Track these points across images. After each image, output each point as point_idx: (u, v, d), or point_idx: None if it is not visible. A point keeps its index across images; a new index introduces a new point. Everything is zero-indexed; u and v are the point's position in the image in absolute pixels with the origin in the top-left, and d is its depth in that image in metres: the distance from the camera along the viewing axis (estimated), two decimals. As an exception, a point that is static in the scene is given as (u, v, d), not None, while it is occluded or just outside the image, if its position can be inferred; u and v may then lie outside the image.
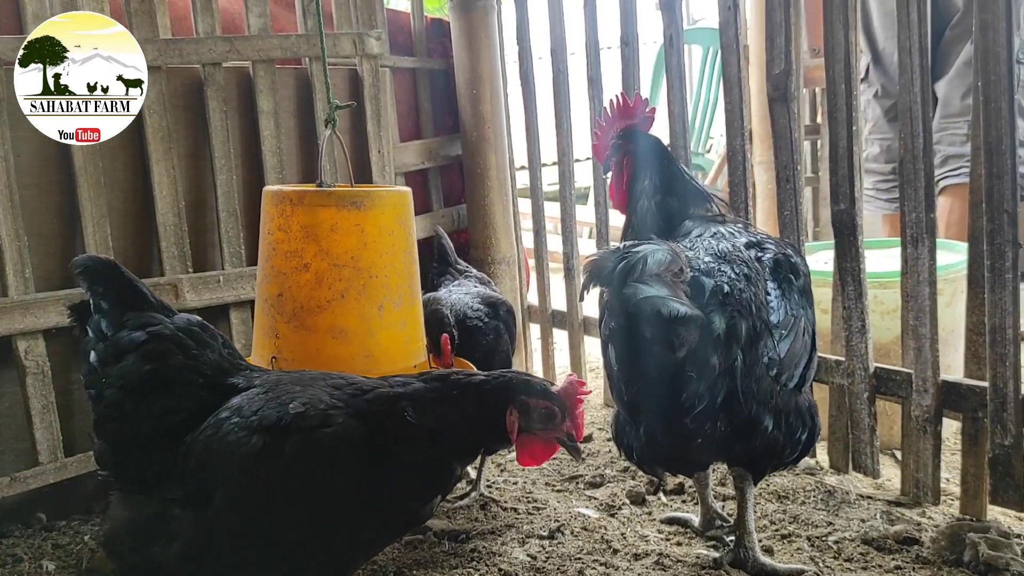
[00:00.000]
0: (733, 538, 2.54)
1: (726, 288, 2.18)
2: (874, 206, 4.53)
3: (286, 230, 2.25)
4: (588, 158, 6.07)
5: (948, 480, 2.90)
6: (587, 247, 4.98)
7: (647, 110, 2.64)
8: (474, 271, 3.34)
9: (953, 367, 2.96)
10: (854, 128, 2.71)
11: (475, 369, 2.55)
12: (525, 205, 4.38)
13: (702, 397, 2.09)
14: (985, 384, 2.51)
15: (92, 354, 1.93)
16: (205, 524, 1.74)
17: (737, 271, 2.25)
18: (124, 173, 3.04)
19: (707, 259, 2.28)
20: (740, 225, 2.55)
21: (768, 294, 2.28)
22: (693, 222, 2.53)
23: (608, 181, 2.76)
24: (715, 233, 2.45)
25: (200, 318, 2.02)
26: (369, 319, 2.28)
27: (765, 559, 2.40)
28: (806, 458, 3.07)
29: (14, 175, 2.78)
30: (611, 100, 2.68)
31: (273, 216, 2.28)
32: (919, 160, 2.57)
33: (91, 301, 1.96)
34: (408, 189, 2.45)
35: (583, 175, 4.52)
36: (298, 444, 1.72)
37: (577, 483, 3.11)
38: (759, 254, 2.38)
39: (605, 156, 2.67)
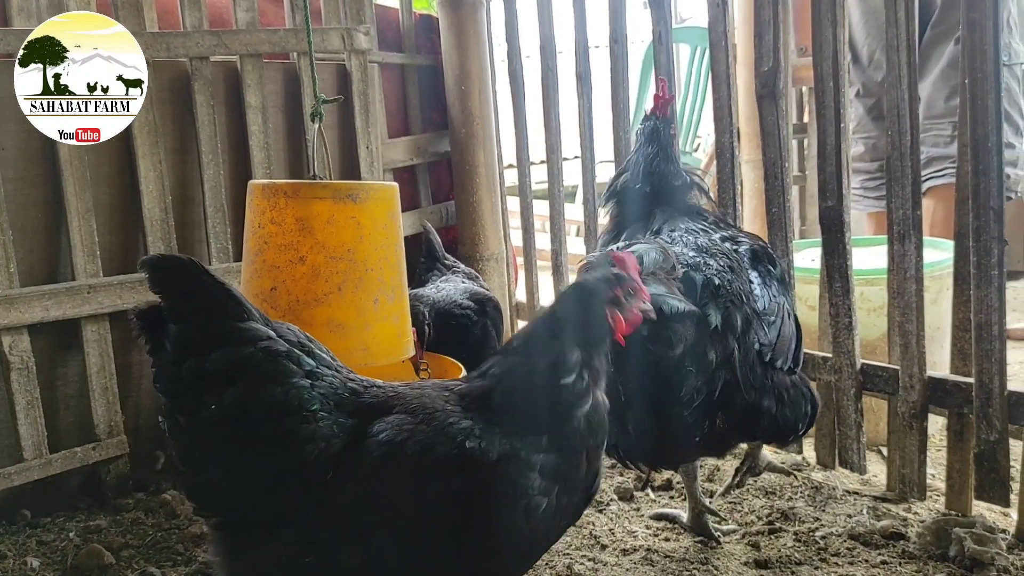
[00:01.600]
0: (720, 533, 2.57)
1: (716, 281, 2.20)
2: (862, 205, 4.55)
3: (280, 223, 2.23)
4: (576, 156, 6.08)
5: (933, 476, 2.92)
6: (575, 245, 4.98)
7: (667, 97, 2.74)
8: (462, 266, 3.34)
9: (939, 364, 2.98)
10: (842, 125, 2.71)
11: (461, 367, 2.54)
12: (513, 203, 4.38)
13: (700, 391, 2.11)
14: (971, 380, 2.52)
15: (181, 372, 1.61)
16: (371, 564, 1.59)
17: (721, 263, 2.28)
18: (110, 167, 3.02)
19: (691, 253, 2.30)
20: (711, 220, 2.58)
21: (751, 282, 2.30)
22: (662, 213, 2.57)
23: None
24: (687, 228, 2.48)
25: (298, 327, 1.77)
26: (365, 312, 2.27)
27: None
28: (792, 454, 3.10)
29: (-2, 168, 2.77)
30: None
31: (264, 209, 2.26)
32: (906, 157, 2.58)
33: (166, 308, 1.62)
34: (396, 184, 2.44)
35: (571, 173, 4.52)
36: (483, 481, 1.58)
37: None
38: (734, 247, 2.43)
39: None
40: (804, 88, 5.71)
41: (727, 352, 2.15)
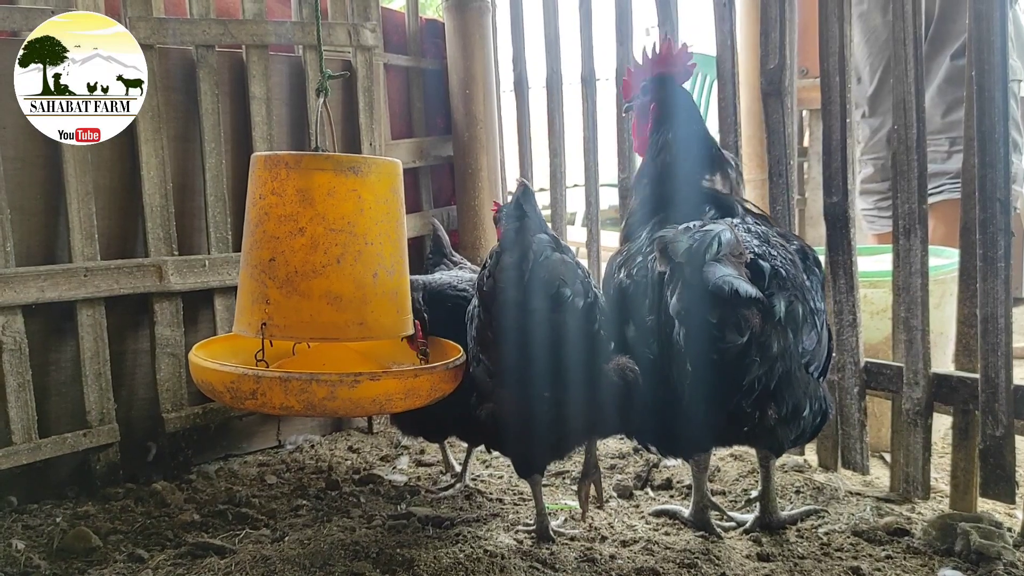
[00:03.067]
0: (721, 529, 2.54)
1: (783, 272, 2.16)
2: (877, 225, 4.51)
3: (280, 194, 2.20)
4: (576, 185, 6.05)
5: (937, 480, 2.87)
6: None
7: (688, 63, 2.61)
8: (468, 263, 3.31)
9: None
10: (848, 120, 2.71)
11: (460, 348, 2.50)
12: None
13: (760, 380, 2.08)
14: (976, 376, 2.49)
15: None
16: None
17: (784, 255, 2.25)
18: (111, 151, 3.00)
19: (755, 242, 2.26)
20: (758, 216, 2.54)
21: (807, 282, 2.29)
22: (710, 207, 2.51)
23: (631, 122, 2.77)
24: (743, 219, 2.45)
25: None
26: (364, 286, 2.23)
27: (783, 513, 2.57)
28: (794, 456, 3.05)
29: (-1, 147, 2.75)
30: (654, 43, 2.65)
31: (266, 180, 2.24)
32: (912, 151, 2.58)
33: None
34: (398, 160, 2.42)
35: (572, 194, 4.53)
36: None
37: (563, 478, 3.07)
38: (786, 243, 2.38)
39: (632, 95, 2.65)
40: (805, 111, 5.73)
41: (787, 345, 2.11)
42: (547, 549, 2.40)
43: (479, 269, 3.32)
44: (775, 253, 2.23)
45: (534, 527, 2.52)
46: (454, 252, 3.34)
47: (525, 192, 2.26)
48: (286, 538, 2.52)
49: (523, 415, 2.31)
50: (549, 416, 2.29)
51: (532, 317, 2.20)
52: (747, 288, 1.96)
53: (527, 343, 2.23)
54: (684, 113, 2.56)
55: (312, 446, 3.52)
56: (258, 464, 3.30)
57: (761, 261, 2.14)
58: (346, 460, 3.35)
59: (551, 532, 2.49)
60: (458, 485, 2.97)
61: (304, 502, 2.86)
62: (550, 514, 2.60)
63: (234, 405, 2.32)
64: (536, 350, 2.23)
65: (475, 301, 2.46)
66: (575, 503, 2.76)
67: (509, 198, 2.31)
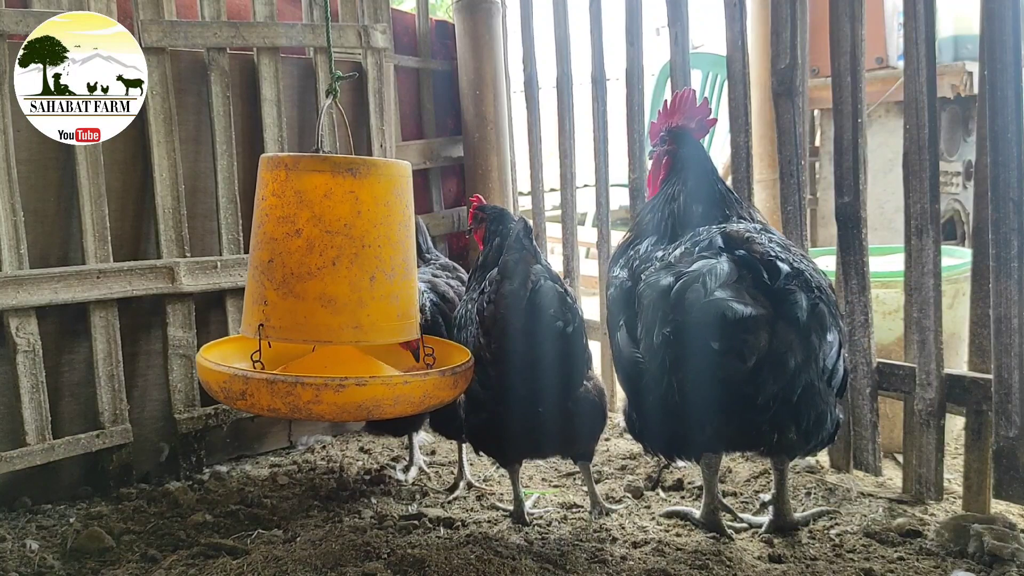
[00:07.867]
0: (732, 531, 2.53)
1: (805, 272, 2.15)
2: None
3: (280, 195, 2.20)
4: (586, 185, 6.04)
5: (950, 481, 2.86)
6: (587, 266, 4.95)
7: (707, 118, 2.62)
8: (443, 259, 3.33)
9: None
10: (859, 120, 2.70)
11: (467, 350, 2.51)
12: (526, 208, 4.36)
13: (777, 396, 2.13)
14: (989, 376, 2.48)
15: None
16: None
17: (807, 262, 2.24)
18: (124, 154, 3.02)
19: (777, 248, 2.21)
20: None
21: None
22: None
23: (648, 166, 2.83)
24: (764, 229, 2.44)
25: None
26: (360, 289, 2.22)
27: (796, 515, 2.57)
28: (807, 458, 3.04)
29: (12, 149, 2.77)
30: (677, 93, 2.67)
31: (268, 181, 2.24)
32: (924, 151, 2.56)
33: None
34: (407, 162, 2.41)
35: (583, 195, 4.53)
36: None
37: (574, 479, 3.07)
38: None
39: (653, 143, 2.70)
40: (817, 111, 5.71)
41: (811, 353, 2.12)
42: (558, 550, 2.40)
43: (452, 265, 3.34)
44: (793, 258, 2.19)
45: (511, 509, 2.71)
46: (431, 250, 3.35)
47: (525, 228, 2.44)
48: (298, 539, 2.53)
49: (516, 426, 2.50)
50: (537, 426, 2.48)
51: (529, 340, 2.38)
52: (738, 308, 1.98)
53: (522, 364, 2.40)
54: (695, 168, 2.58)
55: (323, 447, 3.53)
56: (270, 465, 3.32)
57: (779, 262, 2.11)
58: (357, 461, 3.35)
59: (525, 515, 2.68)
60: (461, 483, 2.97)
61: (316, 503, 2.87)
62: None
63: (229, 405, 2.33)
64: (529, 370, 2.40)
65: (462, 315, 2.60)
66: (588, 504, 2.77)
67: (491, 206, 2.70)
